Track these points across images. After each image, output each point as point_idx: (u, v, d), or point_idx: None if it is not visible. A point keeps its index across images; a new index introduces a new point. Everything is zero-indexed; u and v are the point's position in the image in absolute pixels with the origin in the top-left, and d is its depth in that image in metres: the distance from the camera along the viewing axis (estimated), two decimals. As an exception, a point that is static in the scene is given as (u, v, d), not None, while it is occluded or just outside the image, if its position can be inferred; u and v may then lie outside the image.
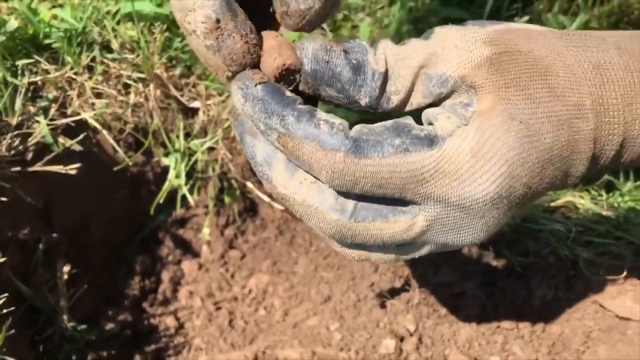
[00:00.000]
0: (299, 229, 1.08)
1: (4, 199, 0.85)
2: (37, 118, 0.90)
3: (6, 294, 0.77)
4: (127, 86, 0.99)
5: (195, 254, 1.06)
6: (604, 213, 1.00)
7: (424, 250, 0.54)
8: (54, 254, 0.92)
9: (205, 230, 1.03)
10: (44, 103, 0.92)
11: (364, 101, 0.51)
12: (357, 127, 0.49)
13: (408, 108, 0.52)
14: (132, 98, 0.97)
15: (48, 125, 0.89)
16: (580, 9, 1.18)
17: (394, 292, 0.95)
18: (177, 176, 0.99)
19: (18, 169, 0.87)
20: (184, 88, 1.02)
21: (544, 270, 0.97)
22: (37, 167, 0.88)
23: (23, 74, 0.91)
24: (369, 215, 0.50)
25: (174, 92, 0.99)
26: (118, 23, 0.98)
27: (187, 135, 1.01)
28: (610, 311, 0.93)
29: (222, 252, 1.06)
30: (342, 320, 0.95)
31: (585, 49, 0.51)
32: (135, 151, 0.99)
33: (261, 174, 0.52)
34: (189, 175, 1.01)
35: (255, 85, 0.50)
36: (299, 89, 0.52)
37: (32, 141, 0.89)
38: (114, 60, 0.97)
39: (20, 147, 0.88)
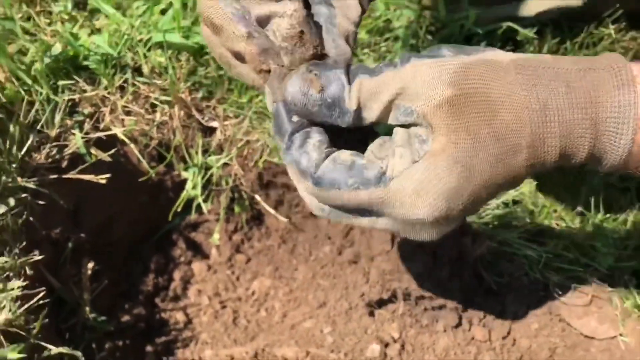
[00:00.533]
0: (301, 239, 1.09)
1: (41, 202, 0.89)
2: (73, 131, 0.94)
3: (43, 288, 0.82)
4: (153, 106, 1.02)
5: (205, 256, 1.09)
6: (575, 241, 1.03)
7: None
8: (81, 252, 0.96)
9: (215, 235, 1.06)
10: (79, 118, 0.96)
11: (342, 125, 0.59)
12: (326, 163, 0.59)
13: (383, 122, 0.60)
14: (157, 117, 1.01)
15: (82, 138, 0.94)
16: (567, 52, 1.20)
17: (381, 303, 0.98)
18: (194, 187, 1.02)
19: (55, 176, 0.91)
20: (205, 110, 1.05)
21: (517, 289, 1.00)
22: (71, 175, 0.92)
23: (63, 92, 0.96)
24: (342, 215, 0.61)
25: (195, 113, 1.03)
26: (149, 50, 1.02)
27: (205, 151, 1.04)
28: (576, 329, 0.97)
29: (230, 256, 1.08)
30: (335, 324, 0.97)
31: (538, 86, 0.55)
32: (158, 163, 1.02)
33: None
34: (204, 186, 1.04)
35: (273, 102, 0.60)
36: None
37: (67, 152, 0.93)
38: (143, 83, 1.01)
39: (57, 157, 0.93)
